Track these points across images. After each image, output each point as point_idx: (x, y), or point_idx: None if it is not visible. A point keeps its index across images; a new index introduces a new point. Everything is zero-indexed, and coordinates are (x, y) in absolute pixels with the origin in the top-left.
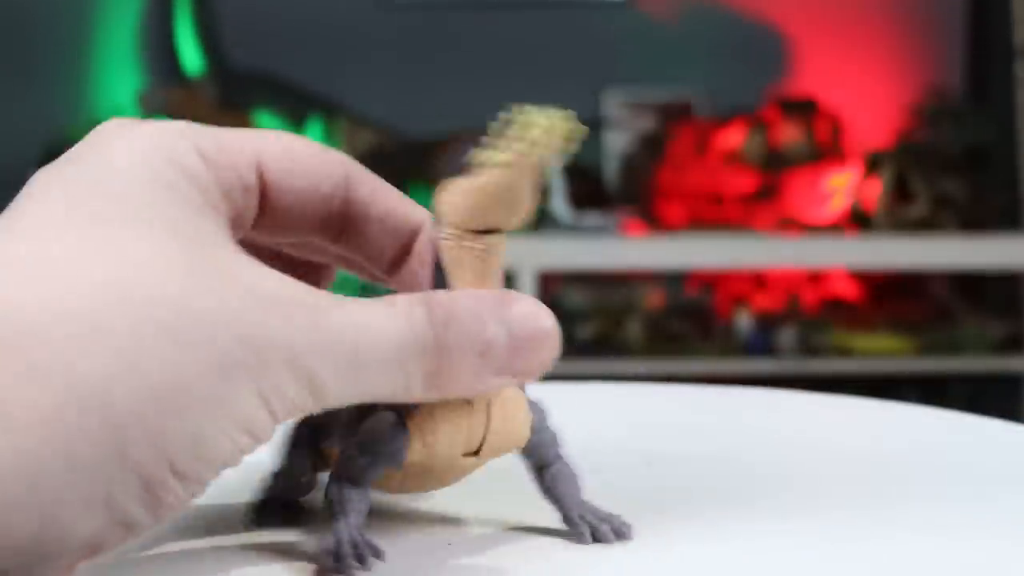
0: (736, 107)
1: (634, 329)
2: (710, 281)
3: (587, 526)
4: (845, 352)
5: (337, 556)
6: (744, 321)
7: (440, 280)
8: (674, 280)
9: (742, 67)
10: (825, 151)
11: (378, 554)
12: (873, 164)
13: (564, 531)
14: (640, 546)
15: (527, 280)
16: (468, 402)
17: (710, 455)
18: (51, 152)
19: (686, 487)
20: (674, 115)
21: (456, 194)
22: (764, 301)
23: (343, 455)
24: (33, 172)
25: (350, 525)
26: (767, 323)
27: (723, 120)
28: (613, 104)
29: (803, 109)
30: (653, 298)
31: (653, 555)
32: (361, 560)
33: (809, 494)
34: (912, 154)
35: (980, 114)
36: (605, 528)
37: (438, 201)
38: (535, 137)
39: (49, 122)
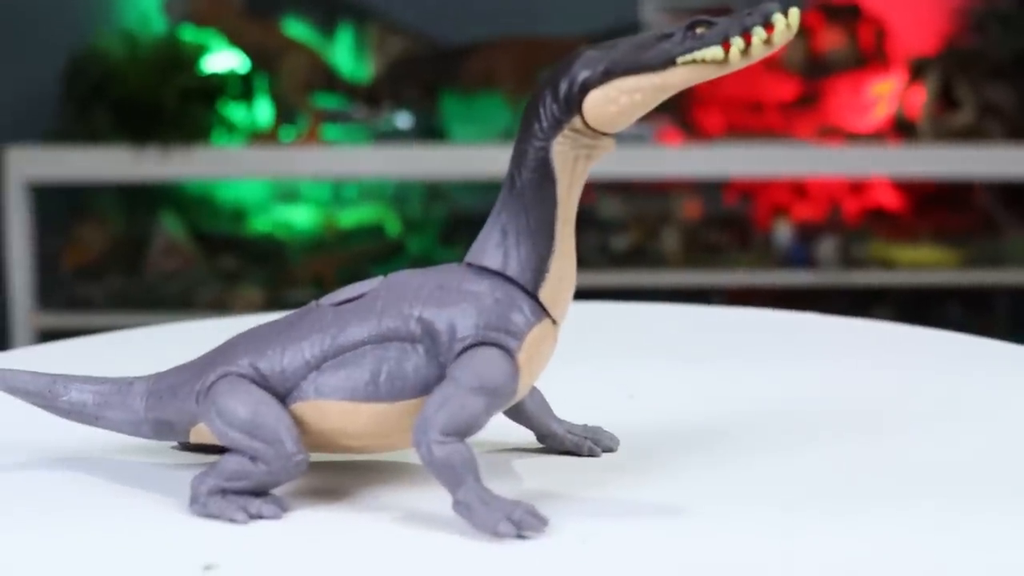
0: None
1: (671, 239)
2: (749, 190)
3: (577, 439)
4: (887, 264)
5: (518, 525)
6: (783, 231)
7: (539, 187)
8: (712, 189)
9: None
10: (868, 57)
11: (544, 521)
12: (918, 70)
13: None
14: (620, 481)
15: None
16: (556, 325)
17: (700, 384)
18: (77, 62)
19: (663, 423)
20: None
21: (627, 93)
22: (804, 211)
23: (442, 403)
24: (58, 83)
25: (484, 489)
26: (807, 234)
27: None
28: (650, 9)
29: (846, 14)
30: (690, 208)
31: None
32: (540, 521)
33: (794, 431)
34: (958, 60)
35: None
36: (589, 443)
37: (596, 104)
38: (776, 37)
39: (75, 32)
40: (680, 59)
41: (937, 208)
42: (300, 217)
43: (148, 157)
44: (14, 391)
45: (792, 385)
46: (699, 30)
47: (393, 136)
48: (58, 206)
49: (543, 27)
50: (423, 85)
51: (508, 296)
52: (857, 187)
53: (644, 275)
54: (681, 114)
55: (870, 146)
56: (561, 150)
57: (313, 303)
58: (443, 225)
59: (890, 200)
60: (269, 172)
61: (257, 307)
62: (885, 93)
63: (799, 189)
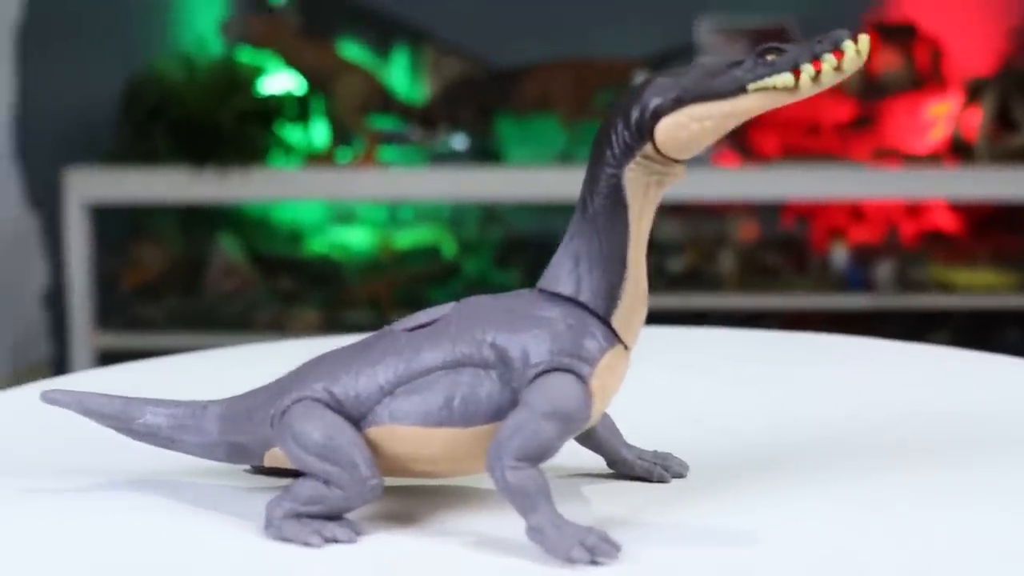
0: None
1: (727, 262)
2: (805, 213)
3: (647, 464)
4: (944, 287)
5: (591, 550)
6: (840, 254)
7: (611, 214)
8: (768, 212)
9: None
10: (925, 78)
11: (617, 547)
12: (974, 91)
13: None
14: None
15: None
16: (627, 350)
17: (765, 408)
18: (135, 84)
19: (731, 448)
20: (769, 42)
21: (698, 120)
22: (861, 234)
23: (515, 429)
24: (117, 105)
25: (557, 515)
26: (864, 256)
27: None
28: (706, 31)
29: (902, 34)
30: (747, 230)
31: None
32: (613, 547)
33: (850, 456)
34: (1015, 81)
35: None
36: (659, 468)
37: (667, 130)
38: (846, 63)
39: (132, 54)
40: (751, 86)
41: (995, 230)
42: (356, 239)
43: (206, 178)
44: (90, 414)
45: (856, 409)
46: (770, 57)
47: (449, 158)
48: (117, 227)
49: (598, 49)
50: (478, 107)
51: (581, 322)
52: (914, 209)
53: (700, 298)
54: (738, 136)
55: (927, 168)
56: (633, 176)
57: (387, 328)
58: (498, 247)
59: (947, 222)
60: (326, 194)
61: (314, 328)
62: (942, 114)
63: (856, 211)
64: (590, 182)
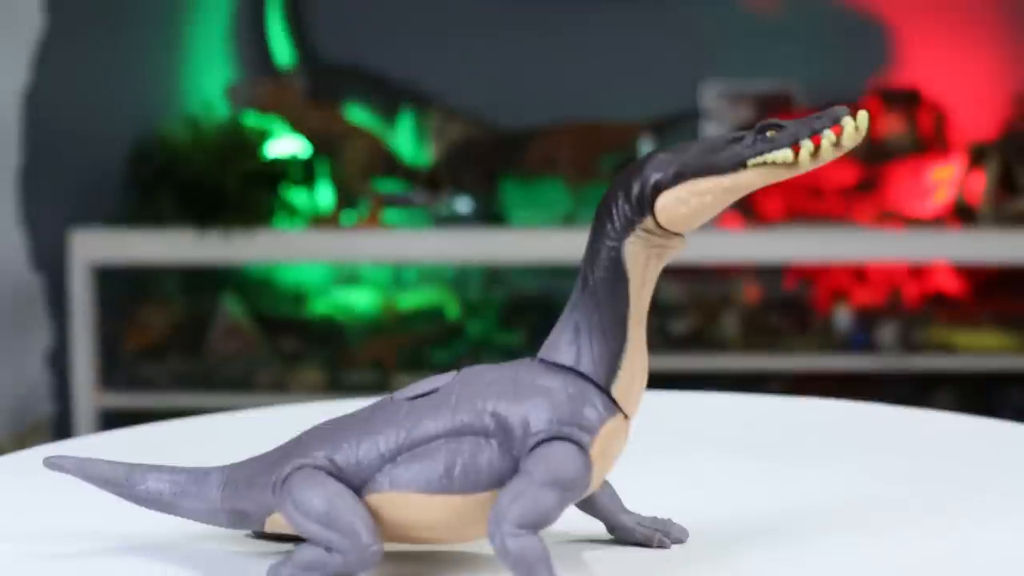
0: (837, 98)
1: (730, 323)
2: (809, 275)
3: (647, 531)
4: (947, 348)
5: None
6: (843, 316)
7: (612, 286)
8: (772, 274)
9: (843, 57)
10: (928, 143)
11: None
12: (977, 156)
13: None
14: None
15: None
16: (628, 419)
17: (765, 476)
18: (142, 147)
19: (732, 514)
20: (773, 106)
21: (698, 195)
22: (864, 296)
23: (516, 496)
24: (123, 167)
25: None
26: (867, 318)
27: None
28: (711, 95)
29: (906, 100)
30: (750, 292)
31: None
32: None
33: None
34: (1017, 145)
35: None
36: (659, 535)
37: (667, 205)
38: (845, 139)
39: (139, 116)
40: (750, 161)
41: (997, 293)
42: (360, 300)
43: (210, 240)
44: (92, 479)
45: (858, 476)
46: (769, 133)
47: (453, 220)
48: (121, 288)
49: (603, 113)
50: (483, 170)
51: (581, 392)
52: (917, 272)
53: (703, 359)
54: (742, 199)
55: (930, 231)
56: (633, 250)
57: (388, 397)
58: (502, 308)
59: (950, 285)
60: (330, 255)
61: (317, 389)
62: (945, 178)
63: (859, 274)
64: (590, 255)
